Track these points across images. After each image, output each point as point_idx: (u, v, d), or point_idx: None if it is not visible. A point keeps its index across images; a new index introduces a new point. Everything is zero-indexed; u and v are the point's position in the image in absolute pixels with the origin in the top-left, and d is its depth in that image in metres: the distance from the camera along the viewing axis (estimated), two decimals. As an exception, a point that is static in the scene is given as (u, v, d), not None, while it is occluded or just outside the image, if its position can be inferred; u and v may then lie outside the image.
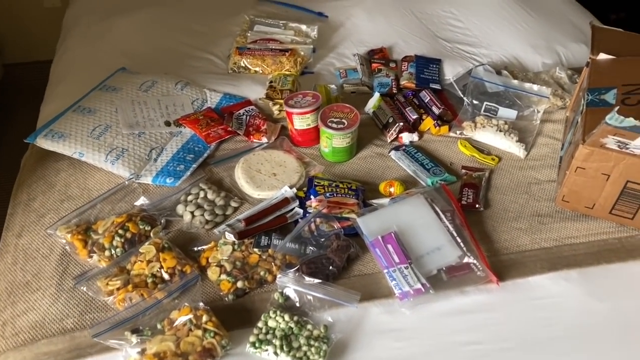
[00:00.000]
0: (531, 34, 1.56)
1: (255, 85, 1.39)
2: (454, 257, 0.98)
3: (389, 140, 1.27)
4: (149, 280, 0.94)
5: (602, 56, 1.20)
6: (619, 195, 1.02)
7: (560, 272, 0.99)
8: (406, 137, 1.26)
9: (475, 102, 1.31)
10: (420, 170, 1.17)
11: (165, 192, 1.12)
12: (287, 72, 1.41)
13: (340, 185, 1.12)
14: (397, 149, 1.24)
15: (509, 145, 1.23)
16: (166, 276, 0.95)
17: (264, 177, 1.16)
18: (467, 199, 1.11)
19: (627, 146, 0.93)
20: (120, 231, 1.01)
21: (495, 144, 1.25)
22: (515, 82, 1.33)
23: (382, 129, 1.30)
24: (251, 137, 1.25)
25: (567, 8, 1.73)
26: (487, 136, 1.25)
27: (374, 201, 1.11)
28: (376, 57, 1.50)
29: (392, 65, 1.47)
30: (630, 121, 0.85)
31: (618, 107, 0.87)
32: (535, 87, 1.31)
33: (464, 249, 0.99)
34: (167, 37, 1.55)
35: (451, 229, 1.02)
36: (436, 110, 1.31)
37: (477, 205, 1.10)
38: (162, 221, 1.06)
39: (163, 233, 1.04)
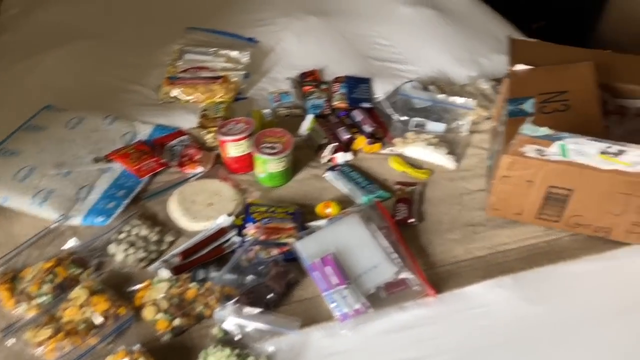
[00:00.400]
0: (455, 48, 1.62)
1: (188, 115, 1.38)
2: (390, 273, 0.99)
3: (324, 161, 1.28)
4: (81, 327, 0.91)
5: (520, 67, 1.25)
6: (543, 200, 1.06)
7: (495, 280, 1.01)
8: (340, 157, 1.28)
9: (404, 118, 1.34)
10: (355, 189, 1.19)
11: (97, 232, 1.08)
12: (219, 100, 1.41)
13: (278, 210, 1.12)
14: (332, 169, 1.25)
15: (439, 158, 1.27)
16: (99, 320, 0.92)
17: (200, 208, 1.14)
18: (402, 214, 1.13)
19: (545, 153, 0.97)
20: (48, 277, 0.97)
21: (426, 158, 1.28)
22: (442, 96, 1.37)
23: (317, 151, 1.31)
24: (185, 167, 1.24)
25: (489, 21, 1.80)
26: (418, 151, 1.28)
27: (311, 223, 1.11)
28: (308, 80, 1.51)
29: (324, 86, 1.49)
30: (544, 130, 0.89)
31: (532, 117, 0.91)
32: (460, 100, 1.35)
33: (400, 264, 1.00)
34: (95, 71, 1.52)
35: (387, 245, 1.03)
36: (368, 129, 1.33)
37: (411, 220, 1.12)
38: (94, 263, 1.02)
39: (95, 275, 1.00)
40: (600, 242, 1.08)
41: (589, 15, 2.57)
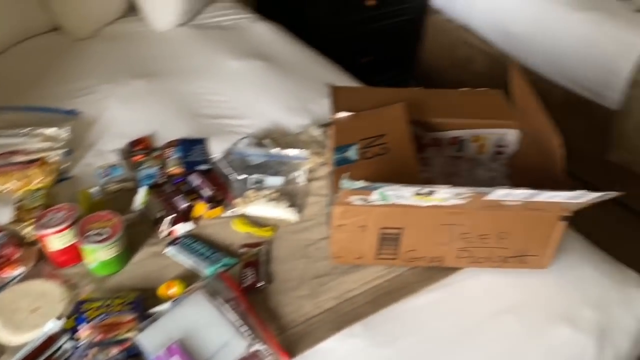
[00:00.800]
0: (287, 97, 1.66)
1: (2, 208, 1.24)
2: (241, 349, 0.95)
3: (163, 236, 1.22)
4: None
5: (342, 114, 1.30)
6: (378, 241, 1.10)
7: (346, 330, 1.02)
8: (180, 229, 1.23)
9: (243, 176, 1.33)
10: (199, 261, 1.14)
11: None
12: (37, 186, 1.28)
13: (115, 302, 1.03)
14: (173, 243, 1.19)
15: (281, 212, 1.27)
16: None
17: (24, 316, 1.02)
18: (249, 280, 1.11)
19: (369, 200, 1.01)
20: None
21: (269, 214, 1.27)
22: (275, 150, 1.39)
23: (154, 225, 1.24)
24: (2, 270, 1.10)
25: (317, 66, 1.87)
26: (260, 208, 1.27)
27: (155, 309, 1.04)
28: (138, 148, 1.44)
29: (156, 153, 1.43)
30: (360, 183, 0.93)
31: (349, 172, 0.94)
32: (294, 152, 1.38)
33: (251, 336, 0.97)
34: None
35: (235, 318, 1.00)
36: (208, 193, 1.30)
37: (259, 284, 1.10)
38: None
39: None
40: (436, 270, 1.14)
41: (410, 45, 2.81)
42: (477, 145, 1.34)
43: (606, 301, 1.11)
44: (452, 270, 1.15)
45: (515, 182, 1.30)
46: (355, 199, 1.01)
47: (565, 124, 2.16)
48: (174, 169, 1.38)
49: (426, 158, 1.34)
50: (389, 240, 1.10)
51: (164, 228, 1.22)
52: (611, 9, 2.19)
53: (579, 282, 1.14)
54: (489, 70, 2.59)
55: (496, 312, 1.09)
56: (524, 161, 1.30)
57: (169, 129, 1.51)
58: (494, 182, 1.31)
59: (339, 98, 1.35)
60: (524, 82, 1.25)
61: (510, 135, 1.32)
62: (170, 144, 1.45)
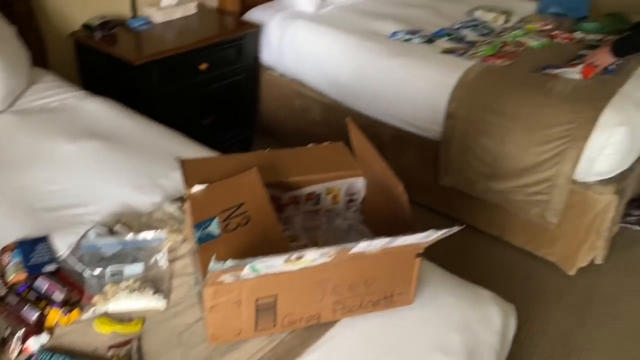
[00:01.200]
0: (133, 175, 1.59)
1: None
2: None
3: (14, 357, 1.08)
4: None
5: (197, 187, 1.28)
6: (255, 313, 1.09)
7: (237, 413, 0.99)
8: (34, 344, 1.09)
9: (97, 271, 1.24)
10: (61, 377, 1.03)
11: None
12: None
13: None
14: (27, 363, 1.06)
15: (147, 302, 1.20)
16: None
17: None
18: (124, 385, 1.02)
19: (241, 276, 1.01)
20: None
21: (134, 307, 1.19)
22: (129, 236, 1.31)
23: (2, 346, 1.09)
24: None
25: (160, 138, 1.82)
26: (123, 302, 1.19)
27: None
28: (-34, 261, 1.27)
29: (-9, 262, 1.27)
30: (229, 262, 0.92)
31: (215, 254, 0.93)
32: (150, 234, 1.32)
33: None
34: None
35: None
36: (60, 296, 1.18)
37: (136, 387, 1.02)
38: None
39: None
40: (314, 328, 1.16)
41: (249, 102, 2.89)
42: (331, 197, 1.42)
43: (468, 323, 1.23)
44: (330, 324, 1.18)
45: (370, 225, 1.40)
46: (226, 277, 1.00)
47: (400, 158, 2.41)
48: (16, 276, 1.23)
49: (287, 217, 1.38)
50: (265, 310, 1.10)
51: (14, 347, 1.08)
52: (421, 53, 2.49)
53: (442, 310, 1.24)
54: (325, 118, 2.76)
55: (376, 356, 1.14)
56: (374, 206, 1.40)
57: (1, 231, 1.36)
58: (352, 230, 1.40)
59: (190, 171, 1.33)
60: (361, 135, 1.35)
61: (358, 183, 1.41)
62: (6, 249, 1.30)
